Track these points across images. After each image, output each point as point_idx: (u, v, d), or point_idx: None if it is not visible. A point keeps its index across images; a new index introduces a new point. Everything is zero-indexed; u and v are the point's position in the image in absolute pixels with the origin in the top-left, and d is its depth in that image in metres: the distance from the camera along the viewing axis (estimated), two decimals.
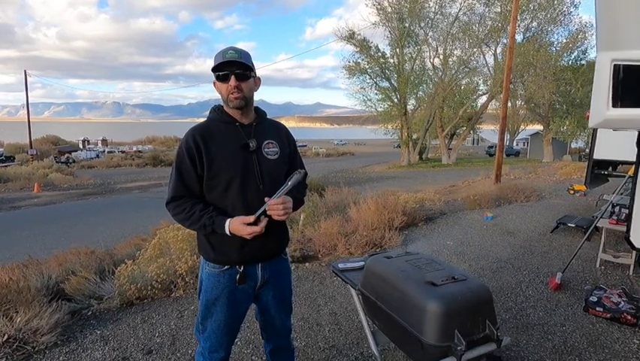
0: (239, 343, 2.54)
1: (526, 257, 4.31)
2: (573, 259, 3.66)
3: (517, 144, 40.51)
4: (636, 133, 3.56)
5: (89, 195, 16.17)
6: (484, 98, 29.33)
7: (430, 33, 27.22)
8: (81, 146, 42.93)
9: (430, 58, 28.45)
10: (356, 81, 28.57)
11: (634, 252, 3.75)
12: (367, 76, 28.22)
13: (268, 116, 1.68)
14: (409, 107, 29.51)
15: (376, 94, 29.07)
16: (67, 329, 2.76)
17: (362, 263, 1.99)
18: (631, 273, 3.75)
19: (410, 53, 27.79)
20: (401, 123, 28.90)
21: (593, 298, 2.96)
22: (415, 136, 30.55)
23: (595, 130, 5.30)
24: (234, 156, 1.50)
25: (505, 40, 24.93)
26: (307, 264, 4.08)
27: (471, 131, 35.41)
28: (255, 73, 1.53)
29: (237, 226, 1.44)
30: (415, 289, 1.41)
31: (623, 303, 2.85)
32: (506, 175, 12.89)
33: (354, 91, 29.17)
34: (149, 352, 2.50)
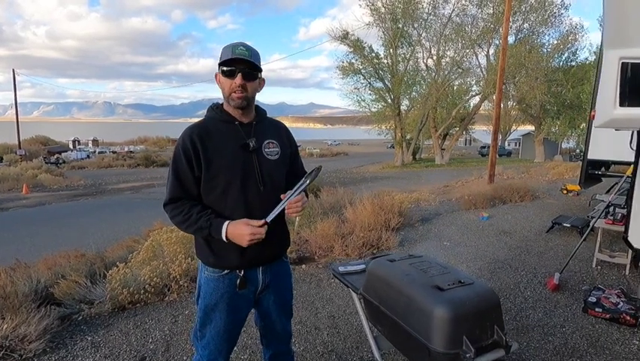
0: (235, 348, 2.46)
1: (523, 257, 4.31)
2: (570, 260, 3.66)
3: (509, 144, 40.92)
4: (629, 134, 3.58)
5: (79, 196, 15.89)
6: (476, 99, 29.60)
7: (424, 34, 27.38)
8: (71, 146, 42.26)
9: (423, 59, 28.62)
10: (350, 81, 28.63)
11: (630, 251, 3.76)
12: (361, 76, 28.27)
13: None
14: (403, 107, 29.62)
15: (370, 94, 29.16)
16: (56, 335, 2.67)
17: (363, 266, 1.94)
18: (627, 273, 3.76)
19: (404, 54, 27.89)
20: (395, 124, 28.99)
21: (592, 299, 2.95)
22: (408, 136, 30.67)
23: (589, 131, 5.34)
24: (233, 156, 1.44)
25: (497, 42, 25.20)
26: (304, 266, 4.02)
27: (464, 132, 35.65)
28: (261, 74, 1.47)
29: (241, 227, 1.36)
30: (421, 293, 1.36)
31: (621, 303, 2.84)
32: (499, 175, 12.97)
33: (347, 91, 29.23)
34: (142, 359, 2.43)
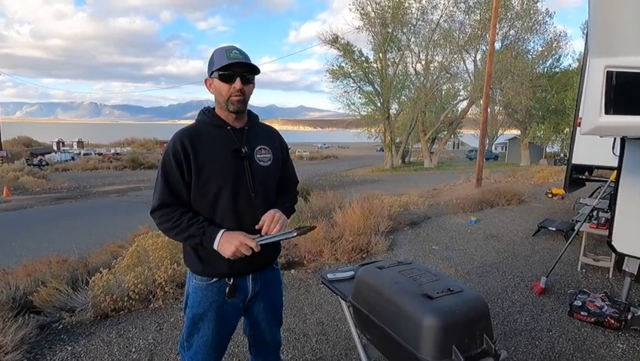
0: (223, 358, 2.41)
1: (511, 261, 4.35)
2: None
3: (495, 148, 41.62)
4: (612, 140, 3.65)
5: (62, 199, 15.51)
6: (464, 104, 30.08)
7: (413, 39, 27.76)
8: (55, 148, 41.27)
9: (412, 63, 28.98)
10: (340, 85, 28.79)
11: (613, 255, 3.83)
12: (351, 80, 28.46)
13: None
14: (392, 111, 29.91)
15: (359, 98, 29.37)
16: (34, 345, 2.57)
17: (352, 273, 1.92)
18: (610, 276, 3.83)
19: (393, 58, 28.21)
20: (384, 127, 29.22)
21: (577, 303, 2.98)
22: (397, 140, 30.95)
23: (573, 135, 5.45)
24: (225, 161, 1.40)
25: (484, 48, 25.62)
26: (293, 271, 3.98)
27: (452, 136, 36.13)
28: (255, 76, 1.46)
29: (235, 237, 1.33)
30: (410, 302, 1.35)
31: (606, 307, 2.88)
32: (487, 179, 13.15)
33: (337, 95, 29.39)
34: None
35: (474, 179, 11.63)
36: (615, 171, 2.87)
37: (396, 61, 28.20)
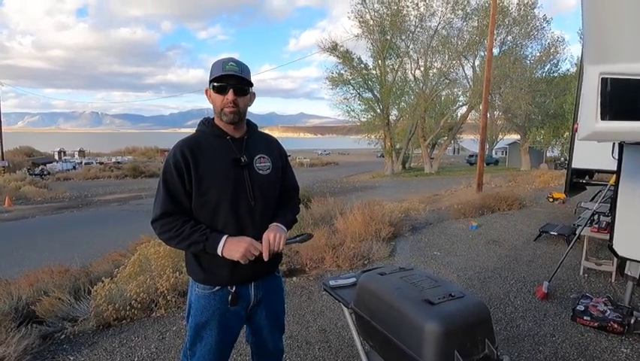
0: None
1: (513, 266, 4.34)
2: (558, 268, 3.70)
3: (496, 153, 41.67)
4: (610, 144, 3.67)
5: (64, 208, 15.53)
6: (463, 109, 30.21)
7: (411, 45, 27.96)
8: (57, 157, 41.44)
9: (411, 70, 29.17)
10: (339, 92, 28.95)
11: (615, 259, 3.83)
12: (350, 87, 28.63)
13: None
14: (392, 117, 30.02)
15: (359, 104, 29.51)
16: (37, 355, 2.57)
17: (354, 279, 1.93)
18: (613, 280, 3.82)
19: (392, 65, 28.39)
20: (384, 133, 29.31)
21: (580, 307, 2.98)
22: (397, 146, 31.00)
23: (573, 140, 5.47)
24: (225, 171, 1.42)
25: (482, 53, 25.83)
26: (294, 278, 3.98)
27: (452, 141, 36.22)
28: (252, 88, 1.48)
29: (245, 239, 1.37)
30: (411, 308, 1.36)
31: (609, 311, 2.88)
32: (487, 184, 13.16)
33: (337, 101, 29.54)
34: None
35: (474, 184, 11.63)
36: (615, 175, 2.89)
37: (396, 67, 28.39)
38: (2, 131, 28.41)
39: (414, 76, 29.25)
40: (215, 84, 1.40)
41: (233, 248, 1.36)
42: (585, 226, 4.08)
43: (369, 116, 29.50)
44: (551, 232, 5.26)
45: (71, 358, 2.56)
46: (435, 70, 28.30)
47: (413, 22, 26.84)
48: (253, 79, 1.48)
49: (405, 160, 32.64)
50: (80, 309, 3.13)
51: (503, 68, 24.53)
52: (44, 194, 19.36)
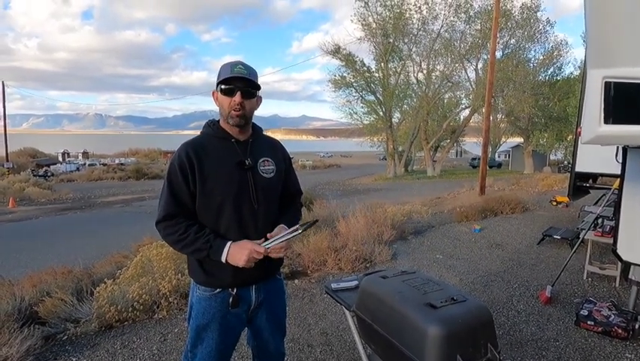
0: None
1: (516, 270, 4.32)
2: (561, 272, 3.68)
3: (499, 156, 41.51)
4: (614, 147, 3.66)
5: (67, 209, 15.60)
6: (466, 112, 30.13)
7: (414, 48, 27.97)
8: (61, 158, 41.70)
9: (413, 72, 29.16)
10: (342, 94, 28.98)
11: (619, 263, 3.80)
12: (353, 89, 28.65)
13: None
14: (394, 120, 30.02)
15: (362, 107, 29.51)
16: (39, 356, 2.58)
17: (355, 282, 1.92)
18: (617, 285, 3.79)
19: (395, 68, 28.40)
20: (387, 136, 29.28)
21: (584, 312, 2.96)
22: (400, 148, 30.96)
23: (576, 143, 5.45)
24: (229, 173, 1.43)
25: (485, 56, 25.80)
26: (296, 281, 3.98)
27: (454, 144, 36.12)
28: (259, 92, 1.49)
29: (244, 245, 1.37)
30: (413, 311, 1.35)
31: (613, 316, 2.85)
32: (490, 187, 13.12)
33: (340, 104, 29.55)
34: None
35: (477, 187, 11.59)
36: (618, 179, 2.87)
37: (398, 70, 28.40)
38: (7, 132, 28.64)
39: (416, 79, 29.26)
40: (223, 86, 1.41)
41: (236, 255, 1.36)
42: (589, 229, 4.06)
43: (372, 118, 29.50)
44: (555, 236, 5.23)
45: (73, 359, 2.57)
46: (437, 73, 28.30)
47: (416, 25, 26.89)
48: (259, 81, 1.49)
49: (407, 163, 32.60)
50: (83, 310, 3.14)
51: (506, 71, 24.49)
52: (48, 195, 19.46)
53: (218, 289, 1.47)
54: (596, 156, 5.05)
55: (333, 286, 1.95)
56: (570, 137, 24.92)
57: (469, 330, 1.30)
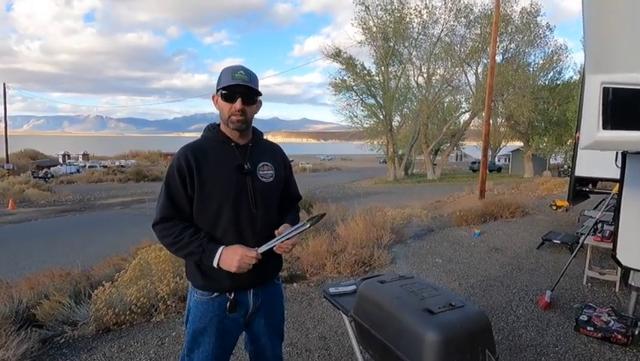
0: None
1: (515, 274, 4.31)
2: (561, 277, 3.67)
3: (499, 160, 41.56)
4: (614, 152, 3.66)
5: (67, 211, 15.58)
6: (466, 116, 30.20)
7: (414, 52, 28.08)
8: (61, 160, 41.72)
9: (414, 76, 29.25)
10: (342, 98, 29.04)
11: (619, 268, 3.79)
12: (353, 93, 28.71)
13: None
14: (395, 123, 30.04)
15: (362, 110, 29.56)
16: (36, 359, 2.57)
17: (354, 287, 1.92)
18: (617, 290, 3.77)
19: (395, 71, 28.48)
20: (387, 139, 29.32)
21: (584, 318, 2.94)
22: (400, 152, 30.99)
23: (576, 148, 5.45)
24: (228, 177, 1.43)
25: (485, 61, 25.87)
26: (295, 284, 3.96)
27: (455, 148, 36.16)
28: (259, 97, 1.49)
29: (235, 250, 1.35)
30: (411, 317, 1.35)
31: (612, 322, 2.84)
32: (490, 191, 13.10)
33: (340, 107, 29.63)
34: None
35: (477, 191, 11.59)
36: (618, 184, 2.87)
37: (398, 74, 28.48)
38: (8, 134, 28.68)
39: (417, 82, 29.34)
40: (224, 92, 1.41)
41: (227, 260, 1.35)
42: (588, 234, 4.05)
43: (372, 122, 29.54)
44: (554, 241, 5.22)
45: None
46: (438, 77, 28.39)
47: (416, 30, 27.01)
48: (260, 86, 1.49)
49: (407, 166, 32.61)
50: (80, 313, 3.12)
51: (506, 75, 24.55)
52: (47, 197, 19.44)
53: (215, 293, 1.47)
54: (595, 161, 5.05)
55: (331, 290, 1.94)
56: (570, 141, 24.94)
57: (467, 336, 1.29)
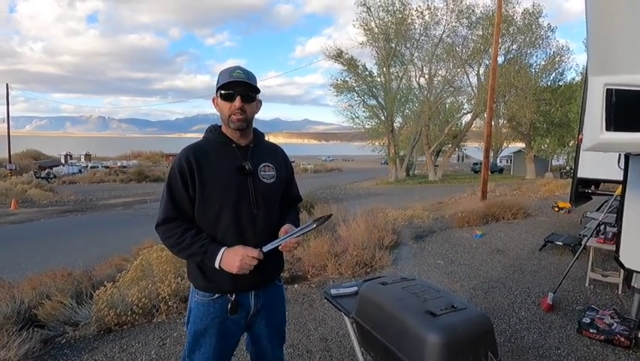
0: None
1: (517, 276, 4.29)
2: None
3: (500, 161, 41.47)
4: (617, 153, 3.65)
5: (69, 212, 15.63)
6: (468, 117, 30.15)
7: (416, 53, 28.10)
8: (63, 161, 41.86)
9: (415, 77, 29.26)
10: (344, 99, 29.08)
11: (622, 271, 3.77)
12: (355, 94, 28.74)
13: None
14: (396, 124, 30.06)
15: (364, 111, 29.59)
16: (38, 359, 2.57)
17: (355, 288, 1.91)
18: (620, 292, 3.75)
19: (396, 72, 28.49)
20: (388, 140, 29.31)
21: (586, 320, 2.93)
22: (401, 153, 30.97)
23: (578, 149, 5.43)
24: (229, 178, 1.43)
25: (487, 62, 25.87)
26: (296, 285, 3.96)
27: (456, 149, 36.11)
28: (258, 95, 1.49)
29: (236, 252, 1.35)
30: (413, 319, 1.34)
31: (615, 324, 2.82)
32: (492, 192, 13.08)
33: (342, 108, 29.65)
34: None
35: (479, 192, 11.56)
36: (621, 186, 2.86)
37: (400, 75, 28.49)
38: (11, 134, 28.79)
39: (418, 83, 29.34)
40: (223, 92, 1.41)
41: (229, 261, 1.35)
42: (591, 236, 4.03)
43: (374, 123, 29.56)
44: (557, 242, 5.20)
45: None
46: (439, 78, 28.40)
47: (418, 31, 27.02)
48: (259, 85, 1.49)
49: (409, 167, 32.59)
50: (82, 313, 3.13)
51: (508, 77, 24.53)
52: (50, 197, 19.51)
53: (217, 295, 1.46)
54: (598, 162, 5.03)
55: (333, 292, 1.94)
56: (572, 142, 24.86)
57: (469, 338, 1.28)
